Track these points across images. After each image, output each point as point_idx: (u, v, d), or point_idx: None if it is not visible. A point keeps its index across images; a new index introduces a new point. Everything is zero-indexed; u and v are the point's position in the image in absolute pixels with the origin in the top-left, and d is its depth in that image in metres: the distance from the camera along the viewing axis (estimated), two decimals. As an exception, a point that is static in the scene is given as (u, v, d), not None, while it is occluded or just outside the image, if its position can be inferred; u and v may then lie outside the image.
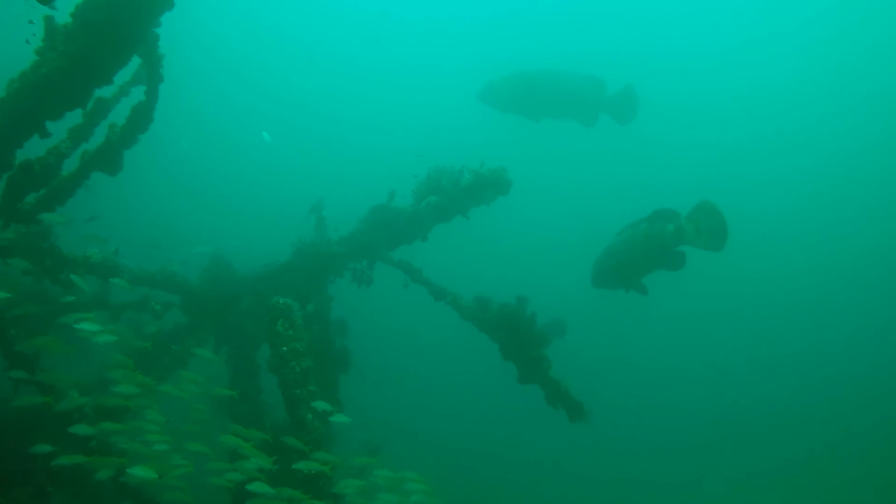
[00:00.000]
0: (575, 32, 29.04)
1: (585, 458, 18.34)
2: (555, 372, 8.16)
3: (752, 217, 27.43)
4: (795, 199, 32.63)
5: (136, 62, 7.51)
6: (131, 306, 10.62)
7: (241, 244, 10.48)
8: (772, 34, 32.62)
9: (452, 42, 33.65)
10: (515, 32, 30.47)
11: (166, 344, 10.07)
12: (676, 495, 17.47)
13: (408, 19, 34.41)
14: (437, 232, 9.55)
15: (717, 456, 19.43)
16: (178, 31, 5.41)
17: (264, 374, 10.36)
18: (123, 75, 7.57)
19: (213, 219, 25.36)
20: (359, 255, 9.32)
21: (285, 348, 7.83)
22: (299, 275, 9.78)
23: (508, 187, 8.72)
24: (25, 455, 7.30)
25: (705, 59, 33.07)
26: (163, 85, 6.96)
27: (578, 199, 31.53)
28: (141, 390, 7.74)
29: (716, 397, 23.28)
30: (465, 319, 8.44)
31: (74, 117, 6.96)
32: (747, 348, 26.66)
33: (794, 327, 27.17)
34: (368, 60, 34.56)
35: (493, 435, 19.82)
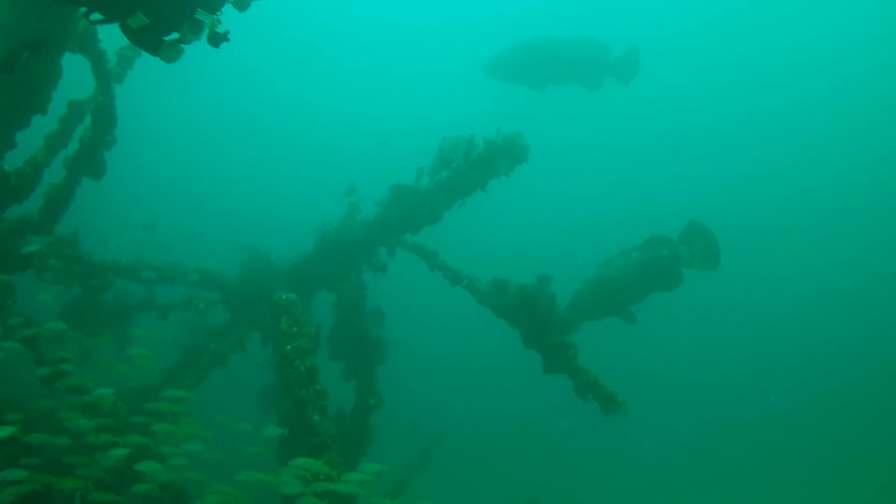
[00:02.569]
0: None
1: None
2: (583, 359, 7.21)
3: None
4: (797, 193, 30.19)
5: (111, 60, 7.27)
6: (177, 306, 10.71)
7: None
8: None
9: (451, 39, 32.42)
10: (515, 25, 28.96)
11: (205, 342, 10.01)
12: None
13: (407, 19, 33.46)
14: (462, 210, 8.82)
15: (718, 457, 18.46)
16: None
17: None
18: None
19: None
20: (379, 239, 8.74)
21: (289, 347, 7.42)
22: (326, 264, 9.39)
23: (525, 154, 7.80)
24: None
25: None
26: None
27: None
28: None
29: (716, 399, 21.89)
30: (482, 304, 7.64)
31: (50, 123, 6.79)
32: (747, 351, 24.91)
33: (793, 328, 25.27)
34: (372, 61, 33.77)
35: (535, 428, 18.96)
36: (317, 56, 33.79)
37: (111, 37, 6.18)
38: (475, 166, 7.79)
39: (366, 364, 9.43)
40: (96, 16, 4.45)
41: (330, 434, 7.21)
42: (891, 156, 29.45)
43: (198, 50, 5.09)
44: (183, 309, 10.68)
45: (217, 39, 4.72)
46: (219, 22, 4.67)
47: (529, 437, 18.37)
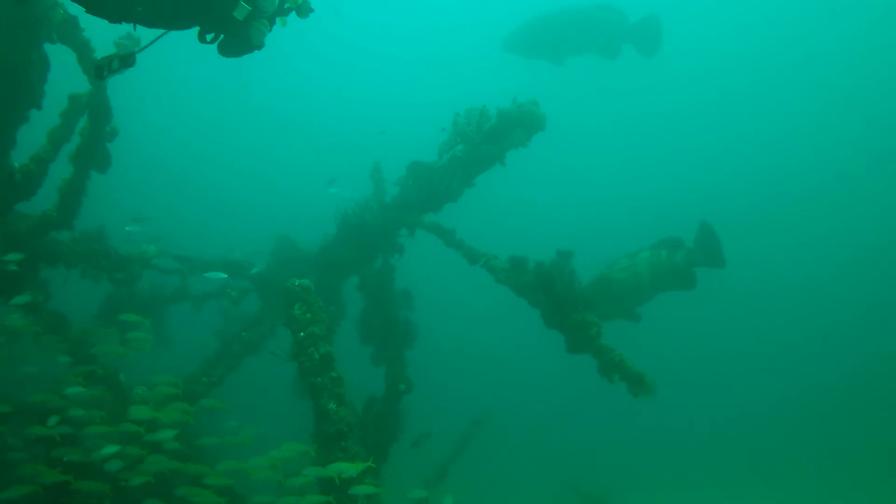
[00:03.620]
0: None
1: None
2: (608, 338, 6.75)
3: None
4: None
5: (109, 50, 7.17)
6: (211, 296, 10.76)
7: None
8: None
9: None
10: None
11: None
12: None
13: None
14: (486, 183, 8.43)
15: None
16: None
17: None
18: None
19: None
20: (397, 220, 8.46)
21: (302, 333, 7.23)
22: (350, 248, 9.18)
23: (541, 123, 7.36)
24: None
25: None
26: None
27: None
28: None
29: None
30: (501, 283, 7.24)
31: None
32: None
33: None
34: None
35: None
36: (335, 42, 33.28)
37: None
38: (489, 138, 7.40)
39: (395, 348, 9.20)
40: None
41: (347, 422, 6.98)
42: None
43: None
44: (217, 298, 10.73)
45: (306, 10, 4.99)
46: None
47: (560, 421, 17.94)
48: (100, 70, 4.64)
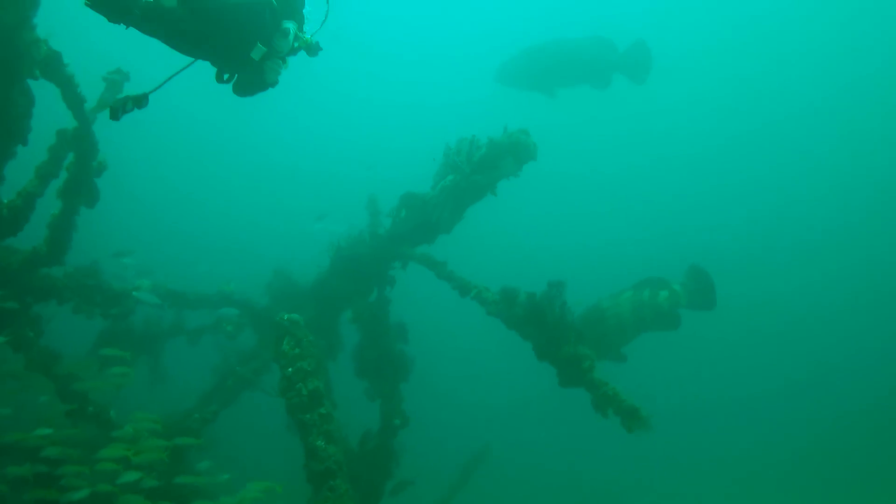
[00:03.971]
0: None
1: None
2: (601, 371, 6.57)
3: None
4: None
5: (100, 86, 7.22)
6: (207, 330, 10.67)
7: (209, 268, 10.02)
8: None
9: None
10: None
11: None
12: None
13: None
14: (476, 215, 8.35)
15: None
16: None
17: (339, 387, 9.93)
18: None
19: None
20: (390, 252, 8.37)
21: (291, 369, 7.10)
22: (344, 281, 9.09)
23: (531, 152, 7.28)
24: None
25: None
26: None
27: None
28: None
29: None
30: (492, 316, 7.10)
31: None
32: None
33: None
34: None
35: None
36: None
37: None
38: (478, 168, 7.31)
39: (389, 382, 9.04)
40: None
41: (335, 460, 6.82)
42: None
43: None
44: (212, 333, 10.64)
45: (315, 49, 5.24)
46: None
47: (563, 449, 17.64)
48: (114, 111, 4.79)
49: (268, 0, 4.93)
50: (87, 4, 4.30)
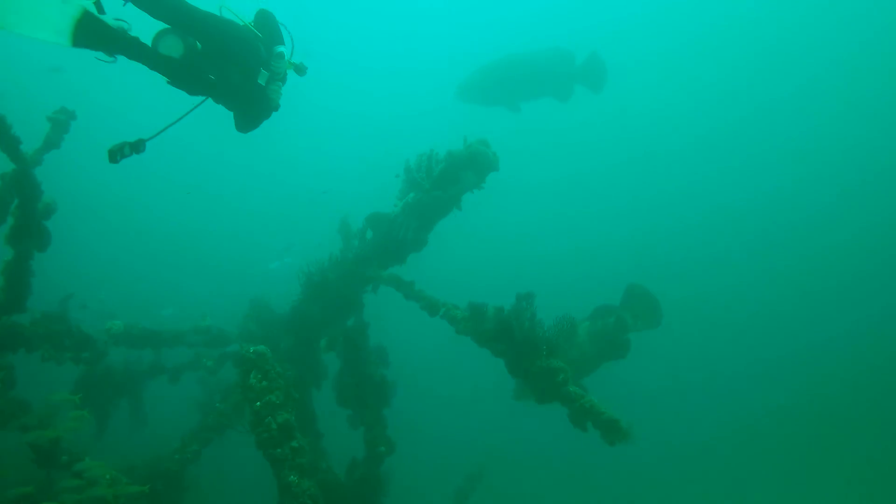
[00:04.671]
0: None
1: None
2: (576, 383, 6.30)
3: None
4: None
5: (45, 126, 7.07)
6: (187, 367, 10.47)
7: (176, 312, 9.87)
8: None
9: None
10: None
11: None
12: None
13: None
14: (447, 231, 8.12)
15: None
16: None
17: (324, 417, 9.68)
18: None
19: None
20: (357, 275, 8.14)
21: (259, 403, 6.85)
22: (318, 307, 8.86)
23: (491, 163, 7.05)
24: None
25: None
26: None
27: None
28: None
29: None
30: (462, 335, 6.85)
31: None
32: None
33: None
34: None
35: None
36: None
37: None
38: (438, 184, 7.09)
39: (372, 409, 8.78)
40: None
41: (310, 494, 6.56)
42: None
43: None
44: (193, 369, 10.44)
45: (303, 70, 5.60)
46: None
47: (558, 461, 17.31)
48: (113, 155, 4.95)
49: (255, 33, 5.35)
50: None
